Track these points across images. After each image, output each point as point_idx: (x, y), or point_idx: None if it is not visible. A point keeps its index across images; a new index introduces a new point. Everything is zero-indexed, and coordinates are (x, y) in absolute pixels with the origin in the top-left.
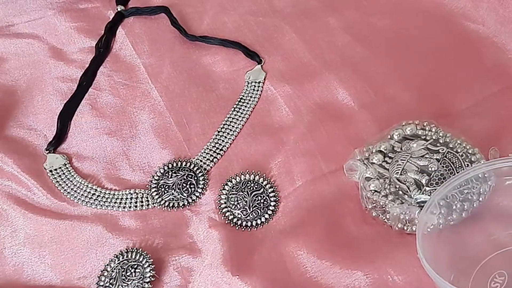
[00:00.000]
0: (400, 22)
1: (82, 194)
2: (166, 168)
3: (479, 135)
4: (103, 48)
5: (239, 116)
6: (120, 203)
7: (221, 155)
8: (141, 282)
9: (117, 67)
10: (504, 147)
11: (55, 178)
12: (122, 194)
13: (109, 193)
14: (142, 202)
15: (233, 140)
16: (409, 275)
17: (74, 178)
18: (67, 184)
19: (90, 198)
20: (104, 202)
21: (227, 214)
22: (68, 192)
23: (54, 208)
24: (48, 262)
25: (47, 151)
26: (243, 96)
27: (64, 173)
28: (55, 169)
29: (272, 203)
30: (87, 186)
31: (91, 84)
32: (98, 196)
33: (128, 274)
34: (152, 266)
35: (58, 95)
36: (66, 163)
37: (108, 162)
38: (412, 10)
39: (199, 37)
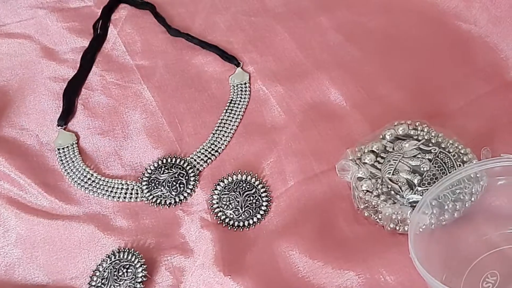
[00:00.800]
0: (392, 22)
1: (79, 177)
2: (159, 163)
3: (471, 135)
4: (101, 31)
5: (232, 117)
6: (111, 192)
7: (216, 157)
8: (133, 282)
9: (109, 67)
10: (496, 147)
11: (60, 157)
12: (114, 183)
13: (103, 180)
14: (131, 194)
15: (228, 141)
16: (401, 275)
17: (77, 159)
18: (68, 165)
19: (85, 183)
20: (97, 189)
21: (219, 214)
22: (68, 173)
23: (47, 208)
24: (40, 262)
25: (59, 127)
26: (233, 98)
27: (69, 153)
28: (63, 148)
29: (264, 203)
30: (84, 169)
31: (92, 65)
32: (93, 181)
33: (120, 274)
34: (144, 266)
35: (50, 95)
36: (74, 142)
37: (100, 162)
38: (404, 10)
39: (181, 33)
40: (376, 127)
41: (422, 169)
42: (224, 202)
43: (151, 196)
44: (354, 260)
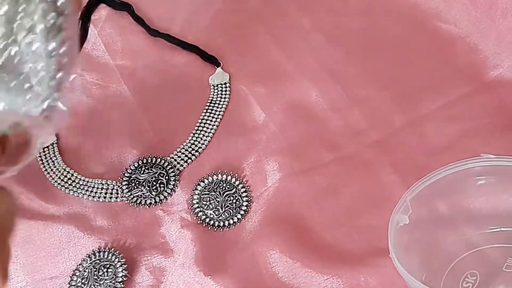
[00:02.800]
0: (373, 23)
1: (59, 177)
2: (140, 163)
3: (451, 135)
4: (81, 32)
5: (213, 117)
6: (91, 191)
7: (196, 157)
8: (113, 282)
9: (89, 66)
10: (476, 148)
11: (40, 156)
12: (94, 182)
13: (83, 180)
14: (112, 194)
15: (208, 141)
16: (382, 275)
17: (57, 159)
18: (49, 165)
19: (65, 182)
20: (77, 188)
21: (200, 214)
22: (48, 173)
23: (26, 207)
24: (20, 262)
25: None
26: (213, 98)
27: (49, 153)
28: (43, 148)
29: (245, 203)
30: (64, 169)
31: None
32: (73, 181)
33: (100, 274)
34: (125, 266)
35: None
36: (54, 142)
37: (81, 161)
38: (384, 10)
39: (161, 34)
40: (355, 128)
41: None
42: (204, 202)
43: (131, 196)
44: (334, 261)
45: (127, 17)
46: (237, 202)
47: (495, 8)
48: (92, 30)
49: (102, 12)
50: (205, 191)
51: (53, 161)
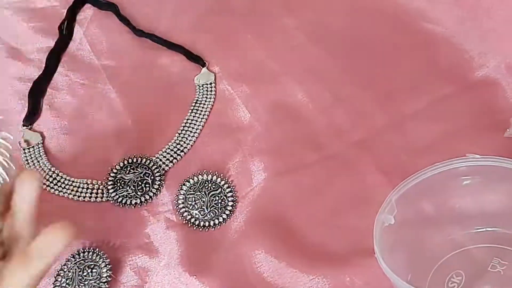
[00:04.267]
0: (356, 23)
1: (44, 177)
2: (125, 162)
3: (435, 135)
4: (67, 32)
5: (198, 117)
6: (76, 191)
7: (181, 157)
8: (97, 282)
9: (75, 67)
10: (460, 147)
11: (25, 157)
12: (80, 182)
13: (69, 180)
14: (97, 194)
15: (193, 141)
16: (367, 276)
17: (42, 159)
18: (34, 165)
19: (51, 183)
20: (63, 188)
21: (185, 214)
22: None
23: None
24: None
25: (24, 127)
26: (198, 98)
27: (34, 153)
28: (28, 148)
29: (230, 203)
30: (50, 169)
31: (58, 65)
32: (59, 181)
33: (84, 274)
34: (109, 266)
35: (16, 95)
36: (39, 142)
37: (66, 161)
38: (368, 10)
39: (146, 34)
40: (338, 127)
41: None
42: (189, 202)
43: (116, 196)
44: (319, 261)
45: (112, 17)
46: (222, 202)
47: (479, 8)
48: (77, 30)
49: (88, 12)
50: (190, 191)
51: (38, 161)
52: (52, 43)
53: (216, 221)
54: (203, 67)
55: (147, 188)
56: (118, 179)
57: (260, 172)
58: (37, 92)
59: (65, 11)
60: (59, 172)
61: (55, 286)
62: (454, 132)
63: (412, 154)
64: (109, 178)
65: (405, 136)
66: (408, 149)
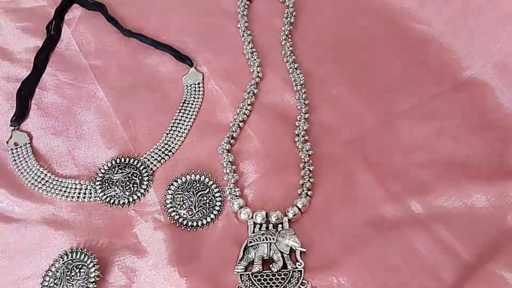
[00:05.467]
0: (345, 22)
1: (32, 177)
2: (113, 163)
3: (423, 134)
4: (55, 32)
5: (186, 117)
6: (64, 191)
7: (169, 157)
8: (85, 282)
9: (63, 66)
10: (448, 147)
11: (13, 157)
12: (68, 182)
13: (57, 180)
14: (85, 194)
15: (182, 141)
16: (354, 275)
17: (30, 159)
18: (22, 165)
19: (39, 183)
20: (51, 188)
21: (173, 214)
22: (21, 173)
23: (1, 211)
24: None
25: (12, 127)
26: (186, 98)
27: (22, 153)
28: (16, 148)
29: (218, 203)
30: (38, 169)
31: (46, 65)
32: (47, 181)
33: (72, 274)
34: (97, 266)
35: (4, 95)
36: (27, 142)
37: (54, 161)
38: (358, 10)
39: (134, 34)
40: (328, 128)
41: None
42: (177, 202)
43: (104, 196)
44: (307, 260)
45: (100, 17)
46: (210, 202)
47: (467, 8)
48: (65, 30)
49: (76, 12)
50: (178, 191)
51: (26, 161)
52: (40, 43)
53: (204, 221)
54: (191, 67)
55: (135, 188)
56: (106, 179)
57: (248, 172)
58: (25, 92)
59: (53, 11)
60: (47, 172)
61: (43, 286)
62: (443, 132)
63: (401, 153)
64: (97, 178)
65: (395, 135)
66: (397, 148)
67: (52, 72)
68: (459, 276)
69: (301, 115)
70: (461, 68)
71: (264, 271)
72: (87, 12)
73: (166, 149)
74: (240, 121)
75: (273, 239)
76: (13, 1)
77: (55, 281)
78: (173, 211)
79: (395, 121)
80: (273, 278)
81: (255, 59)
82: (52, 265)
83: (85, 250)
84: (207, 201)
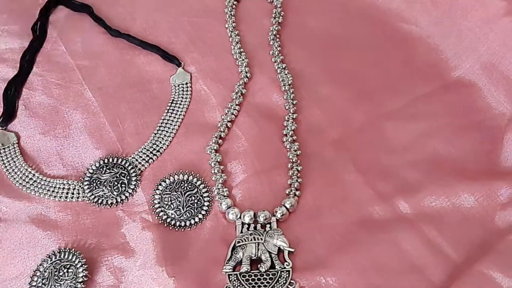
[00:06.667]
0: (334, 22)
1: (20, 177)
2: (101, 163)
3: (411, 134)
4: (40, 32)
5: (174, 117)
6: (52, 191)
7: (157, 157)
8: (73, 282)
9: (50, 67)
10: (436, 148)
11: (1, 157)
12: (56, 182)
13: (45, 180)
14: (73, 194)
15: (170, 141)
16: (342, 276)
17: (18, 159)
18: (10, 165)
19: (27, 183)
20: (39, 188)
21: (161, 214)
22: (9, 173)
23: None
24: None
25: (0, 128)
26: (174, 98)
27: (10, 153)
28: (3, 148)
29: (206, 203)
30: (26, 169)
31: (33, 66)
32: (35, 181)
33: (60, 274)
34: (85, 266)
35: None
36: (15, 142)
37: (42, 161)
38: (346, 10)
39: (122, 34)
40: (315, 127)
41: None
42: (165, 202)
43: (92, 196)
44: (295, 261)
45: (87, 17)
46: (198, 202)
47: (455, 8)
48: (51, 31)
49: (62, 12)
50: (166, 191)
51: (14, 161)
52: (26, 44)
53: (192, 221)
54: (178, 67)
55: (123, 188)
56: (94, 179)
57: (236, 172)
58: (11, 92)
59: (37, 11)
60: (35, 172)
61: (31, 286)
62: (431, 132)
63: (389, 153)
64: (85, 178)
65: (383, 135)
66: (385, 148)
67: (39, 72)
68: (447, 276)
69: (289, 115)
70: (449, 68)
71: (252, 271)
72: (74, 12)
73: (154, 149)
74: (228, 121)
75: (261, 239)
76: None
77: (43, 281)
78: (161, 211)
79: (383, 121)
80: (261, 278)
81: (243, 59)
82: (40, 265)
83: (73, 250)
84: (195, 201)
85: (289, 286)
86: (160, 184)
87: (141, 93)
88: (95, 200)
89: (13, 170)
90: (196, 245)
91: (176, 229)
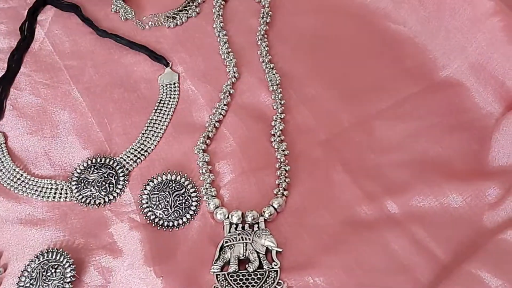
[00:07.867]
0: (322, 22)
1: (8, 177)
2: (89, 163)
3: (400, 134)
4: (28, 33)
5: (162, 117)
6: (40, 191)
7: (145, 157)
8: (61, 282)
9: (37, 67)
10: (424, 147)
11: None
12: (44, 182)
13: (33, 180)
14: (61, 194)
15: (157, 141)
16: (330, 276)
17: (6, 159)
18: None
19: (14, 183)
20: (26, 188)
21: (149, 214)
22: None
23: None
24: None
25: None
26: (162, 98)
27: None
28: None
29: (194, 203)
30: (13, 169)
31: (20, 66)
32: (23, 181)
33: (48, 274)
34: (73, 266)
35: None
36: (2, 142)
37: (30, 161)
38: (334, 10)
39: (109, 34)
40: (303, 127)
41: None
42: (153, 202)
43: (80, 196)
44: (283, 261)
45: (75, 17)
46: (186, 202)
47: (443, 8)
48: (39, 31)
49: (49, 12)
50: (154, 191)
51: (2, 161)
52: (13, 44)
53: (180, 221)
54: (166, 67)
55: (111, 188)
56: (82, 179)
57: (224, 172)
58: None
59: (25, 12)
60: (23, 172)
61: (18, 286)
62: (419, 132)
63: (377, 153)
64: (73, 178)
65: (371, 135)
66: (373, 148)
67: (26, 72)
68: (435, 276)
69: (277, 115)
70: (437, 68)
71: (240, 271)
72: (61, 12)
73: (142, 149)
74: (216, 121)
75: (249, 239)
76: None
77: (31, 281)
78: (149, 211)
79: (371, 121)
80: (249, 278)
81: (231, 59)
82: (28, 265)
83: (61, 250)
84: (183, 201)
85: (277, 286)
86: (148, 184)
87: (129, 93)
88: (83, 200)
89: (0, 170)
90: (184, 245)
91: (164, 229)
